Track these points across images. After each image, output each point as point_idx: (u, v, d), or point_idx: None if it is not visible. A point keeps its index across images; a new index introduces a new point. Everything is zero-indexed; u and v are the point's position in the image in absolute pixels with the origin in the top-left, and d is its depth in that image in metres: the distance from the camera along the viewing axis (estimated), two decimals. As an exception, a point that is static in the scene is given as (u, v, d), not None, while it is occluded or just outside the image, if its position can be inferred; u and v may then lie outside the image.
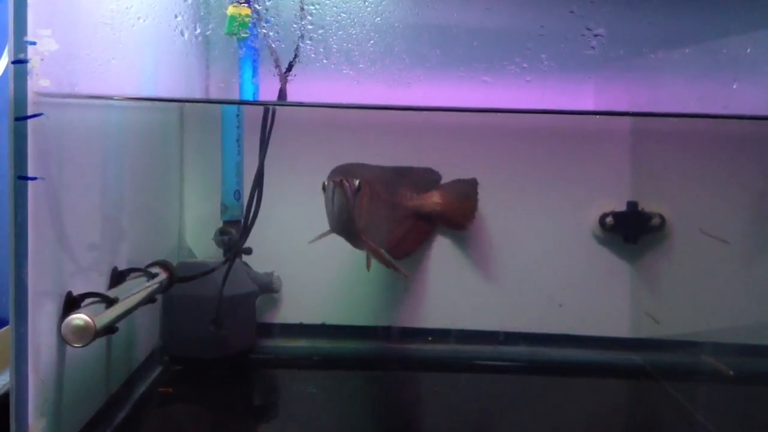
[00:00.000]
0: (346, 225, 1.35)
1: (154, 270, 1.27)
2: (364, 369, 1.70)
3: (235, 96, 1.51)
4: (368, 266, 1.46)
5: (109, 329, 1.01)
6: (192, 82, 1.50)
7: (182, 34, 1.11)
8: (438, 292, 1.73)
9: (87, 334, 0.92)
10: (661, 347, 1.65)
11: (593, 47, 1.08)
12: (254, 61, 1.46)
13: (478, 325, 1.72)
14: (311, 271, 1.69)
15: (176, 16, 1.11)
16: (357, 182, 1.33)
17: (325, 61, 1.13)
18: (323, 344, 1.72)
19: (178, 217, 1.70)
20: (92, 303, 1.01)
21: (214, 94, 1.59)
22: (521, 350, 1.72)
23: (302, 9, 1.19)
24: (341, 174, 1.34)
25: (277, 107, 1.46)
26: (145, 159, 1.46)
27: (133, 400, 1.36)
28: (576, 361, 1.70)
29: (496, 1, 1.23)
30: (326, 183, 1.33)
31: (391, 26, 1.14)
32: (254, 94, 1.48)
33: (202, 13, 1.12)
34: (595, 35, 1.08)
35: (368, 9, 1.13)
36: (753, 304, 1.31)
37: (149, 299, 1.20)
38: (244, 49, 1.40)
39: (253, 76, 1.46)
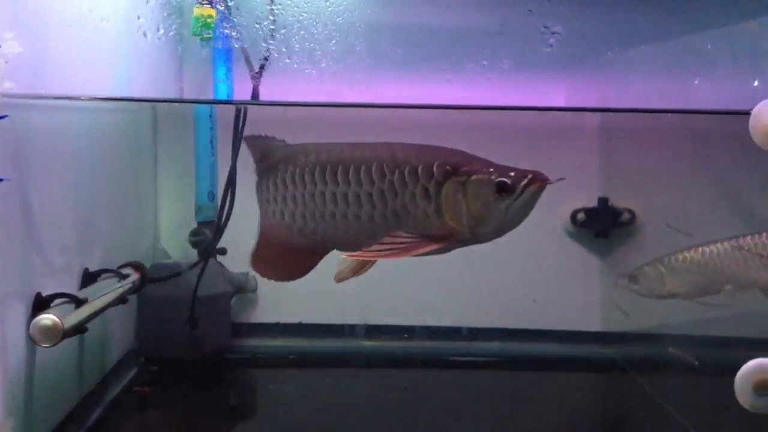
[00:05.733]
0: None
1: (126, 271, 1.28)
2: (340, 367, 1.71)
3: (209, 97, 1.51)
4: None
5: (79, 329, 1.02)
6: (165, 84, 1.51)
7: (145, 35, 1.12)
8: (412, 289, 1.74)
9: (55, 334, 0.93)
10: (630, 340, 1.67)
11: (551, 45, 1.10)
12: (227, 61, 1.46)
13: (452, 322, 1.74)
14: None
15: (138, 18, 1.12)
16: None
17: (287, 60, 1.14)
18: (300, 343, 1.74)
19: (152, 218, 1.71)
20: (61, 303, 1.01)
21: (188, 95, 1.59)
22: (495, 346, 1.74)
23: (272, 9, 1.19)
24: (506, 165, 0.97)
25: (248, 107, 1.46)
26: (118, 160, 1.46)
27: (108, 401, 1.37)
28: (548, 355, 1.72)
29: (456, 0, 1.25)
30: (511, 183, 0.94)
31: (352, 26, 1.15)
32: (228, 94, 1.48)
33: (165, 14, 1.13)
34: (553, 33, 1.10)
35: (329, 9, 1.14)
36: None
37: (120, 300, 1.21)
38: (215, 49, 1.41)
39: (227, 77, 1.47)
